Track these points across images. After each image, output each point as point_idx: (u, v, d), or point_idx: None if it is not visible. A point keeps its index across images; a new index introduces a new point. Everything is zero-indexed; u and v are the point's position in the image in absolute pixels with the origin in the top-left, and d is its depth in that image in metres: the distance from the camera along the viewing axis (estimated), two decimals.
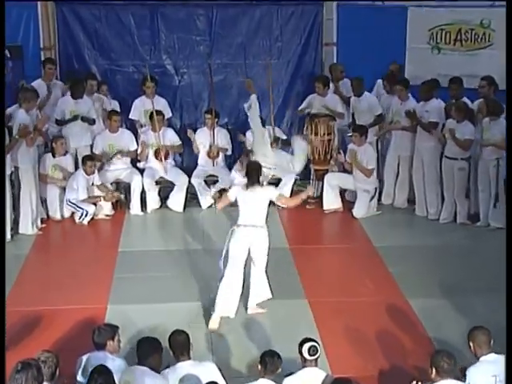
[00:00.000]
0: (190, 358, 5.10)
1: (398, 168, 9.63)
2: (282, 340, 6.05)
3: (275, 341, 6.12)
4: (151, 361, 4.92)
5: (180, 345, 5.08)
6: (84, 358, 5.11)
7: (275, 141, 9.70)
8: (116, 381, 4.70)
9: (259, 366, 4.95)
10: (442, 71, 9.79)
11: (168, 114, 9.99)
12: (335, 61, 10.53)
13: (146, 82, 9.66)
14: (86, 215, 8.97)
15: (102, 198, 9.16)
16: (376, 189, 9.43)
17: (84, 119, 9.37)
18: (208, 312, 6.62)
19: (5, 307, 5.37)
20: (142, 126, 9.91)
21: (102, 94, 9.86)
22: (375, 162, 9.31)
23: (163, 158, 9.56)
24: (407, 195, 9.65)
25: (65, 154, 9.21)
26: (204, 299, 6.93)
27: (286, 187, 9.62)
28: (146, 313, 6.57)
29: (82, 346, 5.53)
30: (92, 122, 9.49)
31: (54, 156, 9.14)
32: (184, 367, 5.02)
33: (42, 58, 9.98)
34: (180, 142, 9.81)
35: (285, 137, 9.99)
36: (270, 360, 4.91)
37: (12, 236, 8.45)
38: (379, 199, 9.63)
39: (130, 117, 9.95)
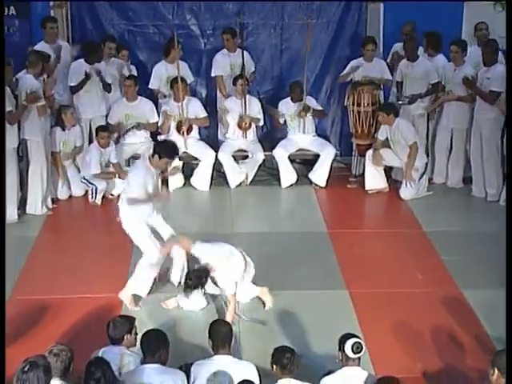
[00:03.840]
0: (230, 353, 5.11)
1: (452, 143, 9.48)
2: (318, 335, 6.05)
3: (311, 336, 6.10)
4: (160, 355, 4.93)
5: (222, 336, 5.11)
6: (98, 352, 5.10)
7: (305, 110, 9.57)
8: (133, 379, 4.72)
9: (274, 367, 4.86)
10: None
11: (190, 79, 9.91)
12: (381, 21, 10.35)
13: (174, 46, 9.48)
14: (95, 192, 8.96)
15: (117, 175, 9.13)
16: (426, 165, 9.30)
17: (101, 82, 9.34)
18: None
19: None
20: (165, 97, 9.85)
21: (123, 60, 9.82)
22: (414, 135, 9.13)
23: (185, 133, 9.50)
24: (462, 173, 9.51)
25: (74, 125, 9.18)
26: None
27: (324, 166, 9.55)
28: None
29: (94, 340, 5.55)
30: (109, 88, 9.46)
31: (63, 129, 9.12)
32: (221, 361, 5.04)
33: None
34: (206, 114, 9.73)
35: (320, 108, 9.85)
36: (290, 358, 4.82)
37: (19, 216, 8.50)
38: (430, 178, 9.50)
39: (149, 86, 9.90)
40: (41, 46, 9.26)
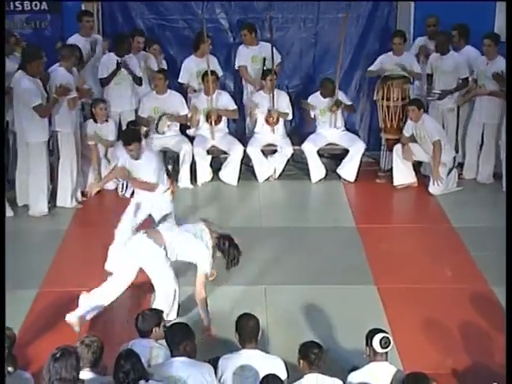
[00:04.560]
0: (257, 347, 5.10)
1: (483, 138, 9.38)
2: (346, 331, 6.02)
3: (338, 331, 6.08)
4: (184, 348, 4.92)
5: (249, 330, 5.10)
6: (128, 345, 5.12)
7: (337, 104, 9.53)
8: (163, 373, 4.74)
9: (301, 362, 4.85)
10: None
11: (219, 72, 9.92)
12: (412, 16, 10.27)
13: (204, 40, 9.53)
14: (126, 185, 8.99)
15: None
16: (454, 160, 9.22)
17: (131, 75, 9.36)
18: (263, 297, 6.60)
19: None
20: (195, 91, 9.86)
21: (153, 54, 9.84)
22: (439, 132, 9.04)
23: (214, 122, 9.50)
24: (493, 169, 9.40)
25: (107, 120, 9.22)
26: (259, 283, 6.91)
27: (353, 161, 9.51)
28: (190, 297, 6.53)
29: (123, 332, 5.58)
30: (138, 81, 9.49)
31: (95, 122, 9.17)
32: (249, 356, 5.04)
33: None
34: (235, 107, 9.73)
35: (350, 102, 9.81)
36: (318, 353, 4.79)
37: (49, 209, 8.56)
38: (460, 173, 9.42)
39: (179, 80, 9.91)
40: (75, 39, 9.31)
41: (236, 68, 10.13)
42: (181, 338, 4.93)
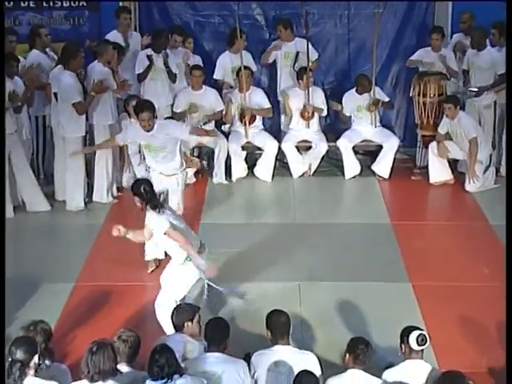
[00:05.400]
0: (289, 343, 5.09)
1: None
2: (380, 328, 5.98)
3: (372, 328, 6.04)
4: (222, 344, 4.95)
5: (280, 326, 5.09)
6: (162, 340, 5.13)
7: (375, 104, 9.47)
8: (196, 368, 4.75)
9: (347, 356, 4.89)
10: None
11: (254, 68, 9.87)
12: (450, 11, 10.17)
13: (237, 36, 9.53)
14: None
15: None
16: (491, 157, 9.11)
17: (166, 67, 9.37)
18: (297, 293, 6.60)
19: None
20: (230, 87, 9.85)
21: (189, 49, 9.85)
22: (476, 129, 8.94)
23: (248, 122, 9.49)
24: None
25: None
26: (292, 279, 6.89)
27: (388, 157, 9.45)
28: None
29: (156, 327, 5.61)
30: (173, 77, 9.50)
31: (130, 117, 9.21)
32: (281, 352, 5.03)
33: None
34: (269, 105, 9.69)
35: (387, 99, 9.75)
36: (363, 349, 4.83)
37: (86, 204, 8.62)
38: (498, 170, 9.30)
39: (214, 77, 9.91)
40: (113, 36, 9.35)
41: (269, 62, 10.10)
42: (220, 335, 4.96)
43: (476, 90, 9.32)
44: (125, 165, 9.17)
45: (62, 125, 8.35)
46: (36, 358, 4.54)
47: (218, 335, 4.96)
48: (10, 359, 4.47)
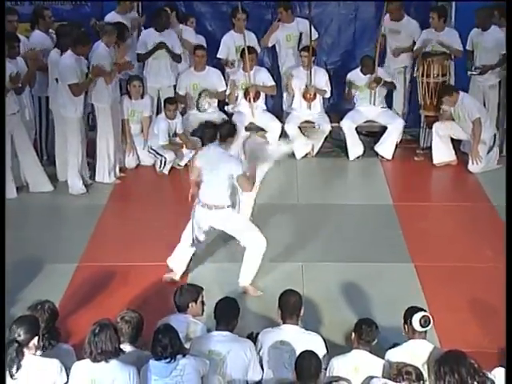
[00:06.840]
0: (297, 323, 5.12)
1: None
2: (383, 308, 6.00)
3: (375, 309, 6.05)
4: (231, 323, 4.98)
5: (290, 306, 5.12)
6: (165, 320, 5.16)
7: (376, 81, 9.42)
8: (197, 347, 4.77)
9: (353, 335, 4.95)
10: None
11: (257, 48, 9.84)
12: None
13: (237, 14, 9.50)
14: (164, 163, 9.02)
15: (183, 146, 9.17)
16: (495, 138, 9.08)
17: (170, 52, 9.34)
18: (300, 274, 6.62)
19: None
20: (232, 65, 9.83)
21: (191, 27, 9.81)
22: (479, 110, 8.91)
23: (252, 99, 9.47)
24: None
25: (142, 97, 9.22)
26: (295, 260, 6.91)
27: (391, 138, 9.42)
28: (233, 273, 6.53)
29: (160, 307, 5.62)
30: (178, 58, 9.46)
31: (130, 98, 9.19)
32: (288, 331, 5.06)
33: None
34: (273, 83, 9.68)
35: (390, 79, 9.69)
36: (366, 329, 4.90)
37: (89, 185, 8.63)
38: (501, 151, 9.27)
39: (218, 55, 9.87)
40: (112, 17, 9.31)
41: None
42: (230, 314, 5.01)
43: (480, 67, 9.26)
44: (127, 147, 9.17)
45: (60, 105, 8.33)
46: (36, 339, 4.55)
47: (228, 314, 5.00)
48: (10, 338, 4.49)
